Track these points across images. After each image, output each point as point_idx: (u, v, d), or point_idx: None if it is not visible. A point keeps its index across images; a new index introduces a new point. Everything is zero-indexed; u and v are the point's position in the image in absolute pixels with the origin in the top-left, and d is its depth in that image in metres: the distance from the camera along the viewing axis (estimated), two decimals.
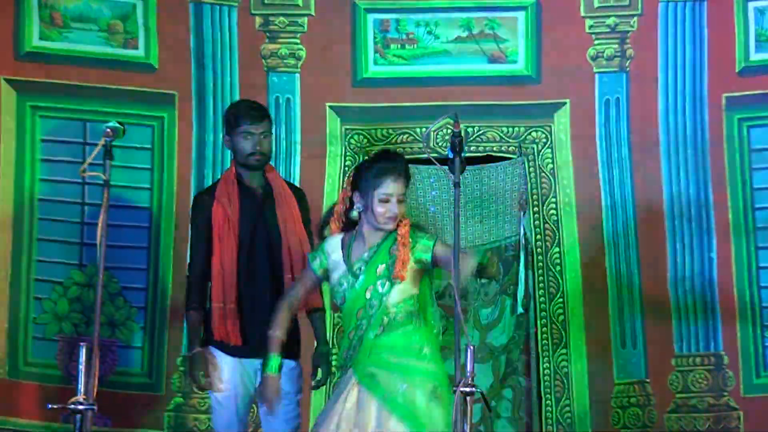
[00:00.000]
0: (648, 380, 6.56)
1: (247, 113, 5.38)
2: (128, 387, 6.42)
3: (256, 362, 5.27)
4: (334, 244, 4.99)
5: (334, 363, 5.54)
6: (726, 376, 6.53)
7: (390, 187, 4.87)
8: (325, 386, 5.65)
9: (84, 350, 4.54)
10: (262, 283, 5.33)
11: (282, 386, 5.16)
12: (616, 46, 6.68)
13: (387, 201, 4.87)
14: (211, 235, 5.30)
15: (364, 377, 4.81)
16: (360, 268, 4.91)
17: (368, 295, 4.87)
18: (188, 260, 5.48)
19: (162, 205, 6.52)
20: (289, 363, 5.28)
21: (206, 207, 5.34)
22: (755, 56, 6.59)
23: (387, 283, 4.86)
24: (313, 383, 5.44)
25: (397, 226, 4.89)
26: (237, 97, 6.58)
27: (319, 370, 5.42)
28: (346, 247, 4.96)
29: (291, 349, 5.29)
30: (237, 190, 5.35)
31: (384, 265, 4.87)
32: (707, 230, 6.57)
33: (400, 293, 4.87)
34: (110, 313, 6.42)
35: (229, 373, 5.29)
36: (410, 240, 4.87)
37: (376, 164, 4.94)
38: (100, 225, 4.67)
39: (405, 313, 4.87)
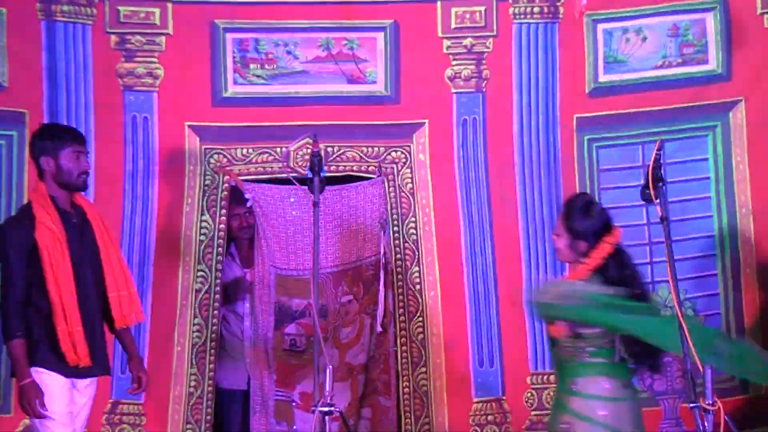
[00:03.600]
0: (504, 398, 6.62)
1: (73, 134, 5.41)
2: None
3: (87, 381, 5.31)
4: None
5: None
6: None
7: None
8: None
9: None
10: (93, 303, 5.35)
11: None
12: (473, 67, 6.75)
13: None
14: (34, 260, 5.22)
15: None
16: None
17: None
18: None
19: None
20: None
21: (25, 232, 5.25)
22: (604, 77, 6.71)
23: None
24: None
25: None
26: (91, 116, 6.53)
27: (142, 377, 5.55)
28: None
29: None
30: (56, 213, 5.29)
31: None
32: None
33: None
34: None
35: (63, 392, 5.25)
36: None
37: None
38: None
39: None
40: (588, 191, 6.62)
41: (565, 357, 5.12)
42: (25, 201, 6.36)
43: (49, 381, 5.23)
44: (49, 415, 5.22)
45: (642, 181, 4.78)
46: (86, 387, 5.41)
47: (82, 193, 5.54)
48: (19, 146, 6.44)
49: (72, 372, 5.24)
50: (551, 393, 6.58)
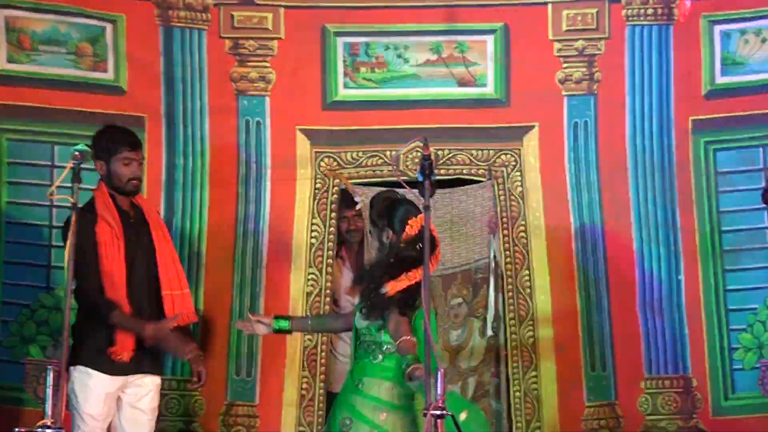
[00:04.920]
0: (617, 402, 6.58)
1: (126, 140, 5.54)
2: None
3: (127, 379, 5.46)
4: None
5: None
6: (695, 399, 6.55)
7: None
8: None
9: (51, 373, 4.53)
10: (144, 302, 5.49)
11: None
12: (585, 69, 6.72)
13: None
14: (97, 252, 5.37)
15: None
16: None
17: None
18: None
19: None
20: None
21: (89, 224, 5.38)
22: (721, 79, 6.63)
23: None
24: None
25: None
26: (206, 120, 6.61)
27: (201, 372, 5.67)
28: None
29: None
30: (116, 210, 5.46)
31: None
32: (675, 253, 6.60)
33: None
34: None
35: (101, 394, 5.39)
36: None
37: None
38: (67, 248, 4.67)
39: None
40: (705, 194, 6.59)
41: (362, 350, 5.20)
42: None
43: (92, 382, 5.38)
44: (84, 415, 5.37)
45: (763, 184, 4.71)
46: (139, 386, 5.50)
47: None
48: None
49: (116, 369, 5.36)
50: (666, 398, 6.54)
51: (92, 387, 5.39)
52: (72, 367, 5.37)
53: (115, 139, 5.54)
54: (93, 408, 5.38)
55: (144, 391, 5.54)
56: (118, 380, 5.45)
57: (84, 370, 5.39)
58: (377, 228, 5.28)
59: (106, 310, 5.39)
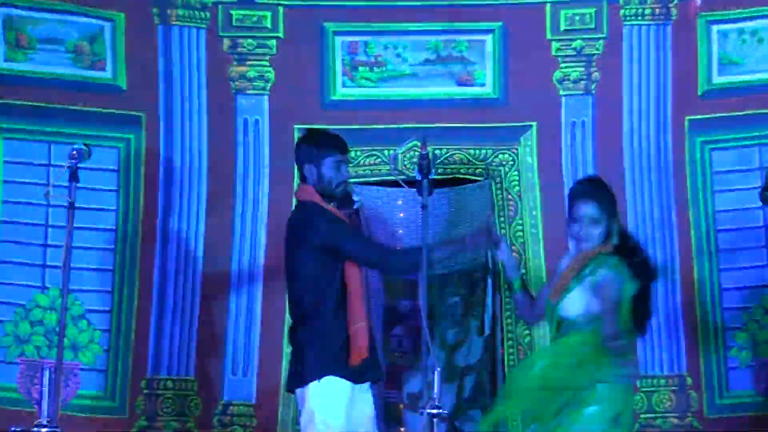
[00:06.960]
0: None
1: (338, 143, 5.45)
2: (92, 410, 6.39)
3: (365, 387, 5.29)
4: None
5: None
6: (689, 397, 6.56)
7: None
8: None
9: (47, 373, 4.55)
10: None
11: None
12: (582, 69, 6.72)
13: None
14: (327, 259, 5.30)
15: None
16: None
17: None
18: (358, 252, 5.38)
19: (128, 227, 6.51)
20: None
21: (334, 218, 5.36)
22: (718, 79, 6.63)
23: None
24: None
25: None
26: (205, 119, 6.64)
27: None
28: None
29: None
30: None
31: None
32: (671, 252, 6.60)
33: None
34: (73, 336, 6.38)
35: (344, 403, 5.21)
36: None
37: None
38: (64, 247, 4.68)
39: None
40: (701, 194, 6.59)
41: None
42: (142, 203, 6.50)
43: (339, 390, 5.20)
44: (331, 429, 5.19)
45: (761, 183, 4.70)
46: (365, 394, 5.34)
47: None
48: (136, 149, 6.56)
49: (356, 375, 5.22)
50: (661, 396, 6.55)
51: (337, 395, 5.18)
52: (312, 382, 5.17)
53: (326, 142, 5.44)
54: (336, 418, 5.16)
55: (370, 397, 5.36)
56: (356, 387, 5.25)
57: (333, 379, 5.18)
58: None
59: (412, 260, 5.22)
